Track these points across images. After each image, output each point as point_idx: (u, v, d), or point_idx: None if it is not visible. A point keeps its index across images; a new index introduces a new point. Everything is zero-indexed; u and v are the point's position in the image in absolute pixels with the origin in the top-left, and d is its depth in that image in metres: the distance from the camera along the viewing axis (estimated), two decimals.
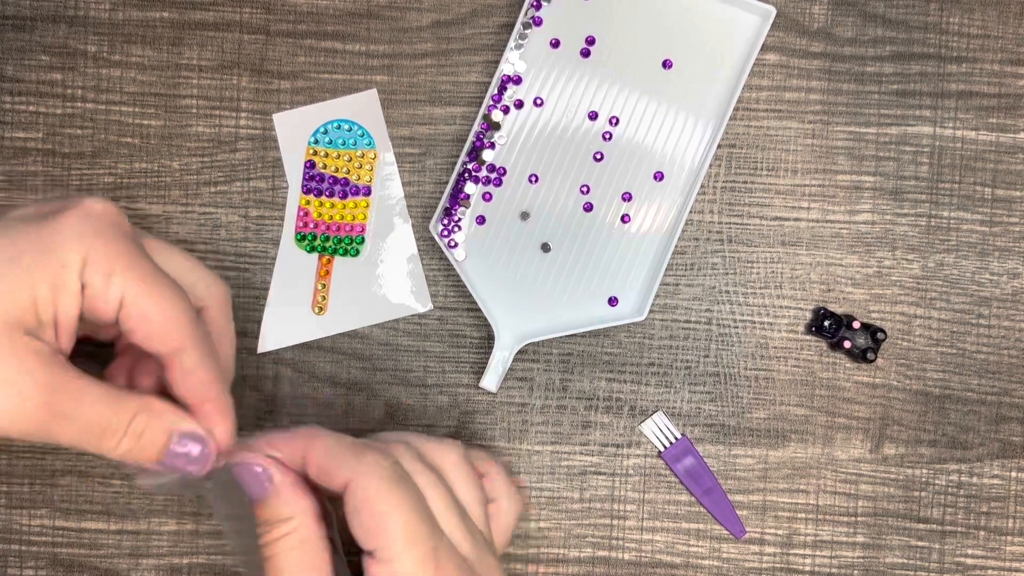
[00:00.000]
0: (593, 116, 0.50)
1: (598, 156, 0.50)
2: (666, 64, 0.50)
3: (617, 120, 0.50)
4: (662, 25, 0.50)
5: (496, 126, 0.50)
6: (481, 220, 0.50)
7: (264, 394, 0.50)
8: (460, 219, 0.50)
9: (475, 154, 0.50)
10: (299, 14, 0.50)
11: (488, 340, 0.50)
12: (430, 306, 0.50)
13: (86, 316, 0.37)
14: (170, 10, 0.50)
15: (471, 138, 0.49)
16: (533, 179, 0.50)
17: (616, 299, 0.50)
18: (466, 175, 0.50)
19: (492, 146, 0.50)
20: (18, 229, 0.36)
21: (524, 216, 0.50)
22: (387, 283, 0.50)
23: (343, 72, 0.50)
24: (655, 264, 0.49)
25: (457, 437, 0.50)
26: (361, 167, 0.50)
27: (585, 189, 0.50)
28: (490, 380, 0.49)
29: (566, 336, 0.50)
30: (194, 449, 0.38)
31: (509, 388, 0.50)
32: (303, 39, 0.50)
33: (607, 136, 0.50)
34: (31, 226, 0.36)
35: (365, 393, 0.50)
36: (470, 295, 0.50)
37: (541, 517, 0.51)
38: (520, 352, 0.50)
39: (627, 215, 0.50)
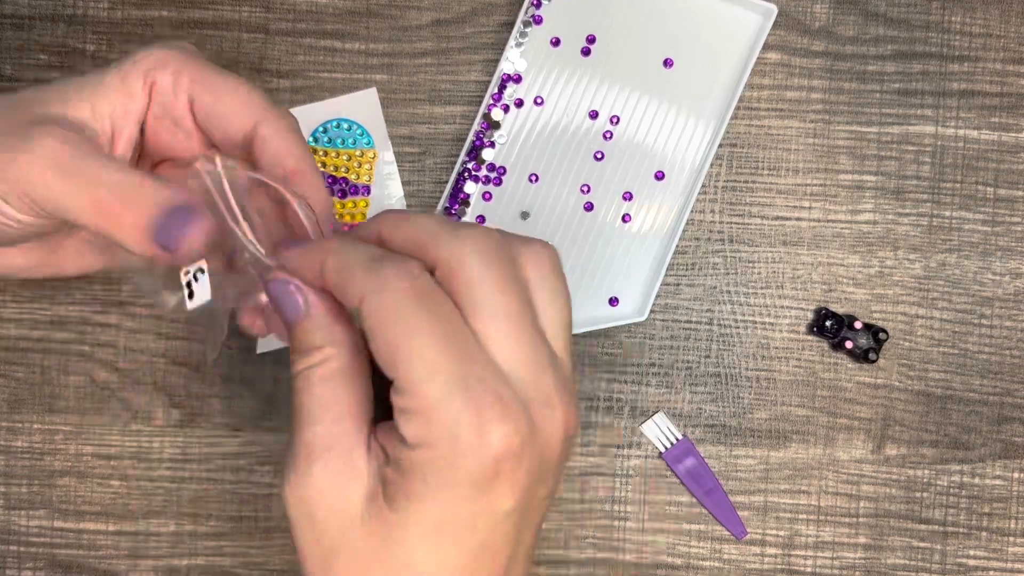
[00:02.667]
0: (594, 115, 0.50)
1: (599, 155, 0.50)
2: (667, 63, 0.50)
3: (618, 119, 0.50)
4: (663, 23, 0.50)
5: (496, 125, 0.49)
6: (481, 220, 0.50)
7: (264, 394, 0.50)
8: (460, 219, 0.49)
9: (475, 153, 0.49)
10: (298, 13, 0.50)
11: None
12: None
13: (160, 125, 0.38)
14: (169, 8, 0.50)
15: (471, 137, 0.49)
16: (533, 178, 0.50)
17: (617, 299, 0.49)
18: (466, 174, 0.49)
19: (492, 145, 0.50)
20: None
21: (524, 216, 0.50)
22: None
23: (342, 71, 0.50)
24: (656, 264, 0.49)
25: None
26: (360, 166, 0.50)
27: (586, 188, 0.50)
28: None
29: None
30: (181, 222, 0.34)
31: None
32: (302, 38, 0.50)
33: (608, 135, 0.50)
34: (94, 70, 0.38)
35: None
36: None
37: None
38: None
39: (628, 215, 0.50)
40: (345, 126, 0.50)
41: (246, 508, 0.50)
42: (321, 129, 0.50)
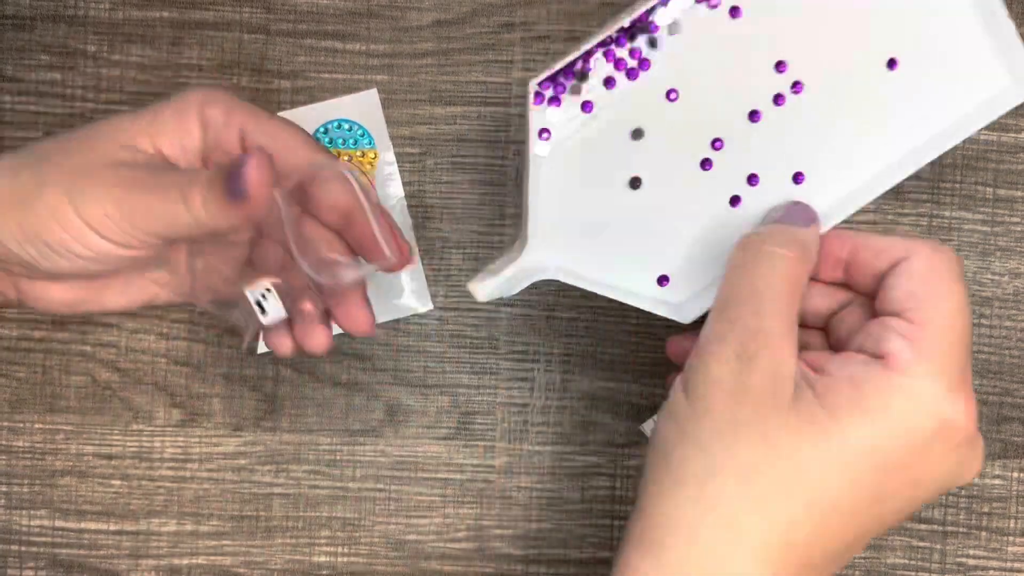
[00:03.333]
0: (781, 68, 0.40)
1: (754, 117, 0.40)
2: (891, 64, 0.40)
3: (800, 88, 0.40)
4: (906, 24, 0.40)
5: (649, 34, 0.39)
6: (588, 107, 0.40)
7: (264, 394, 0.50)
8: (562, 96, 0.39)
9: (631, 33, 0.39)
10: (299, 13, 0.50)
11: (489, 340, 0.50)
12: (430, 306, 0.50)
13: (217, 149, 0.40)
14: (170, 9, 0.50)
15: (638, 11, 0.38)
16: (672, 95, 0.40)
17: (667, 278, 0.42)
18: (609, 43, 0.39)
19: (652, 40, 0.39)
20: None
21: (637, 134, 0.40)
22: (387, 283, 0.50)
23: (343, 72, 0.50)
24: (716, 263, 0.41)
25: (457, 439, 0.50)
26: (361, 167, 0.50)
27: (718, 144, 0.40)
28: (487, 286, 0.41)
29: (566, 335, 0.50)
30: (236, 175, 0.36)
31: (509, 388, 0.50)
32: (303, 38, 0.50)
33: (779, 100, 0.40)
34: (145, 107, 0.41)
35: (365, 393, 0.50)
36: (470, 295, 0.49)
37: (542, 518, 0.50)
38: (520, 352, 0.50)
39: (739, 198, 0.41)
40: (346, 127, 0.50)
41: (247, 508, 0.50)
42: (322, 130, 0.50)
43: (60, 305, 0.41)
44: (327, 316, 0.42)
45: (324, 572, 0.50)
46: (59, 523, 0.50)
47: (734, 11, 0.39)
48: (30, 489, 0.50)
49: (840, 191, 0.41)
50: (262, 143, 0.40)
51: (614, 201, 0.41)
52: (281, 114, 0.49)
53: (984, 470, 0.50)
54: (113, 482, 0.50)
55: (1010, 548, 0.50)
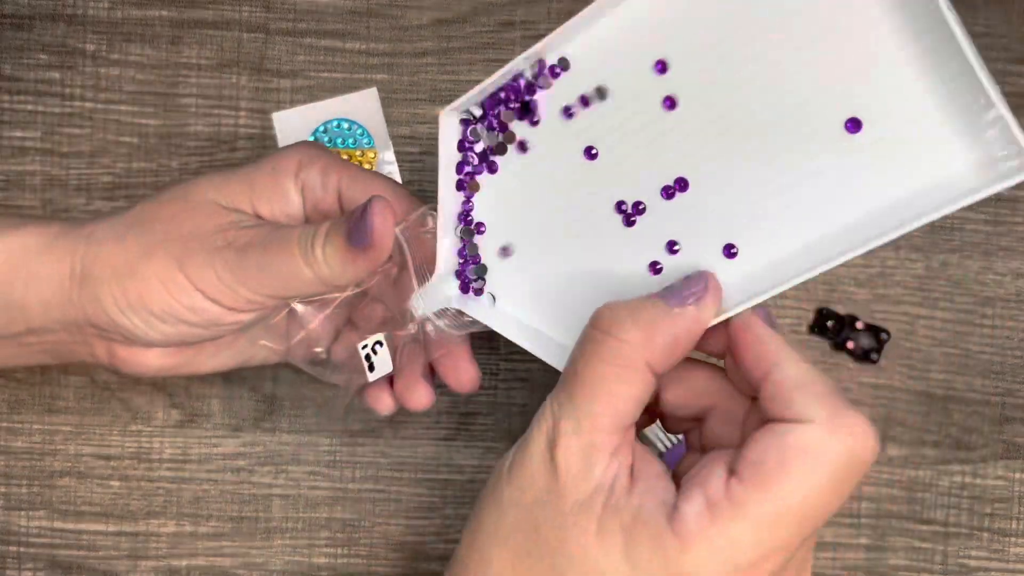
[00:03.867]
0: (669, 105, 0.34)
1: (680, 184, 0.35)
2: (851, 125, 0.32)
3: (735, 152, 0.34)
4: (863, 85, 0.32)
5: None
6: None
7: (263, 395, 0.50)
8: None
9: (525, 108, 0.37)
10: (299, 12, 0.50)
11: (489, 341, 0.50)
12: None
13: (316, 212, 0.40)
14: (169, 8, 0.50)
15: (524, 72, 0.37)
16: (592, 152, 0.36)
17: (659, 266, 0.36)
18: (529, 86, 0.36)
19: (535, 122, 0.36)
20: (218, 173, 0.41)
21: (555, 188, 0.37)
22: None
23: (343, 71, 0.50)
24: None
25: (457, 439, 0.50)
26: (361, 166, 0.50)
27: (640, 207, 0.36)
28: (430, 299, 0.39)
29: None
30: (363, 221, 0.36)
31: (509, 388, 0.50)
32: (303, 37, 0.50)
33: (704, 167, 0.35)
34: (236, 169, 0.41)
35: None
36: None
37: None
38: (520, 352, 0.50)
39: (658, 264, 0.36)
40: (345, 126, 0.50)
41: (246, 509, 0.50)
42: (321, 129, 0.50)
43: (153, 371, 0.41)
44: (430, 372, 0.42)
45: (323, 573, 0.50)
46: (58, 524, 0.50)
47: (661, 66, 0.34)
48: (29, 490, 0.50)
49: (769, 267, 0.35)
50: (359, 198, 0.39)
51: (537, 251, 0.38)
52: (281, 113, 0.49)
53: (986, 471, 0.50)
54: (112, 483, 0.50)
55: (1012, 549, 0.50)
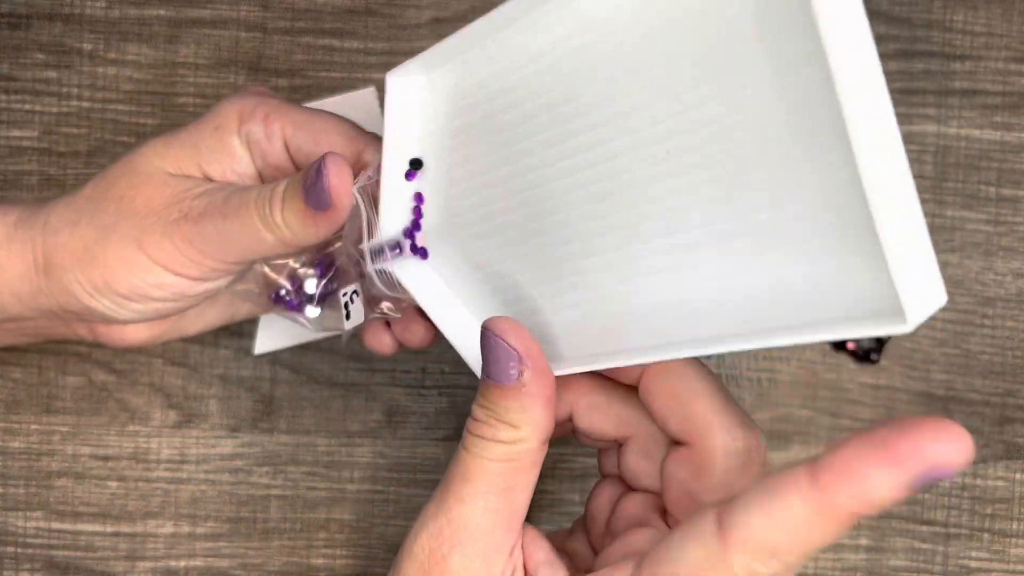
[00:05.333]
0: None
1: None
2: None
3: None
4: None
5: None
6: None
7: (261, 395, 0.50)
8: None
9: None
10: (296, 11, 0.50)
11: None
12: None
13: (267, 174, 0.39)
14: (166, 7, 0.50)
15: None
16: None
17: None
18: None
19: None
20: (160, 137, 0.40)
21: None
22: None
23: (341, 70, 0.50)
24: None
25: (456, 440, 0.50)
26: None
27: None
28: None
29: None
30: (319, 182, 0.35)
31: None
32: (300, 36, 0.50)
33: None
34: (178, 130, 0.40)
35: (364, 395, 0.50)
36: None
37: (540, 520, 0.50)
38: None
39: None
40: None
41: (244, 509, 0.50)
42: None
43: (139, 342, 0.41)
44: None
45: (322, 574, 0.50)
46: (55, 525, 0.50)
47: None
48: (26, 490, 0.50)
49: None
50: (308, 149, 0.38)
51: (477, 231, 0.37)
52: None
53: (987, 471, 0.50)
54: (109, 483, 0.50)
55: (1013, 550, 0.50)
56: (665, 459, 0.33)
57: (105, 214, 0.37)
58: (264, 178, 0.40)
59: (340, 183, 0.35)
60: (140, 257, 0.36)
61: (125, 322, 0.39)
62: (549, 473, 0.50)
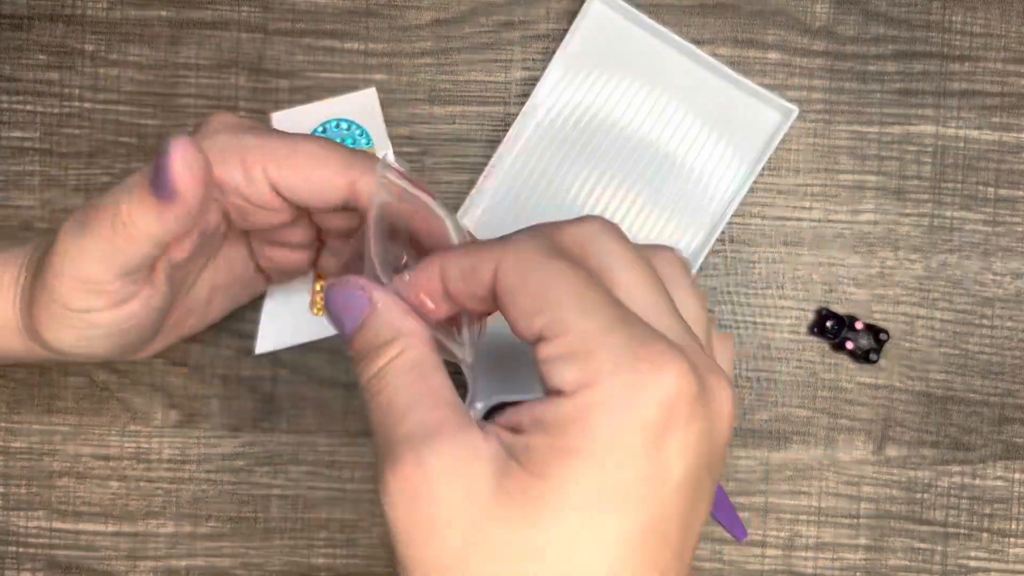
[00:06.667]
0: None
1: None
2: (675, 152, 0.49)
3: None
4: (678, 105, 0.49)
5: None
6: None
7: (262, 395, 0.50)
8: None
9: None
10: (297, 12, 0.50)
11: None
12: None
13: (247, 210, 0.37)
14: (168, 9, 0.50)
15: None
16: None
17: None
18: None
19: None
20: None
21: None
22: None
23: (341, 71, 0.50)
24: None
25: None
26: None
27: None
28: None
29: None
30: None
31: None
32: (301, 37, 0.50)
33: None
34: None
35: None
36: None
37: None
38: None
39: None
40: (344, 126, 0.50)
41: (245, 509, 0.50)
42: (320, 129, 0.50)
43: (156, 352, 0.41)
44: None
45: (322, 573, 0.50)
46: (57, 524, 0.50)
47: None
48: (28, 490, 0.50)
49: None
50: (301, 190, 0.35)
51: None
52: (279, 113, 0.49)
53: (986, 471, 0.50)
54: (111, 483, 0.50)
55: (1012, 550, 0.50)
56: None
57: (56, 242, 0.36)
58: (239, 215, 0.37)
59: (186, 169, 0.32)
60: (56, 307, 0.36)
61: (111, 354, 0.38)
62: None
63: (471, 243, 0.32)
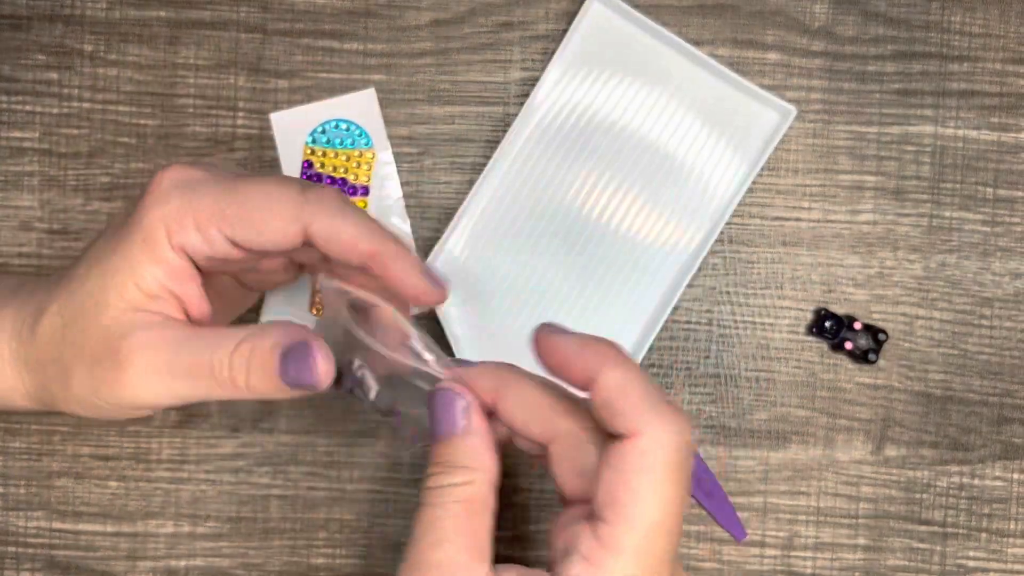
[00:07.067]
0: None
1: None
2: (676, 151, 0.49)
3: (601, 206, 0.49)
4: (679, 106, 0.49)
5: None
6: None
7: None
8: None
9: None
10: (296, 12, 0.50)
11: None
12: (428, 307, 0.50)
13: (215, 263, 0.38)
14: (167, 9, 0.50)
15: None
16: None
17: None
18: None
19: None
20: (107, 237, 0.38)
21: None
22: None
23: (341, 71, 0.50)
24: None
25: None
26: (359, 167, 0.50)
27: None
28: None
29: None
30: (302, 361, 0.35)
31: None
32: (300, 38, 0.50)
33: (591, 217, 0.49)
34: (116, 231, 0.38)
35: None
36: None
37: (539, 520, 0.50)
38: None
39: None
40: (343, 126, 0.50)
41: (245, 509, 0.50)
42: (319, 129, 0.50)
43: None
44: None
45: (322, 574, 0.50)
46: (56, 524, 0.50)
47: None
48: (27, 490, 0.50)
49: (677, 258, 0.49)
50: (255, 242, 0.37)
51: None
52: (278, 113, 0.49)
53: (984, 471, 0.50)
54: (110, 483, 0.50)
55: (1010, 550, 0.50)
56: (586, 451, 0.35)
57: (63, 359, 0.38)
58: (209, 267, 0.38)
59: (327, 370, 0.35)
60: (100, 404, 0.37)
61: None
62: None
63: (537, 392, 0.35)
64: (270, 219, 0.36)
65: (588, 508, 0.33)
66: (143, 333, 0.36)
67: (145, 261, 0.36)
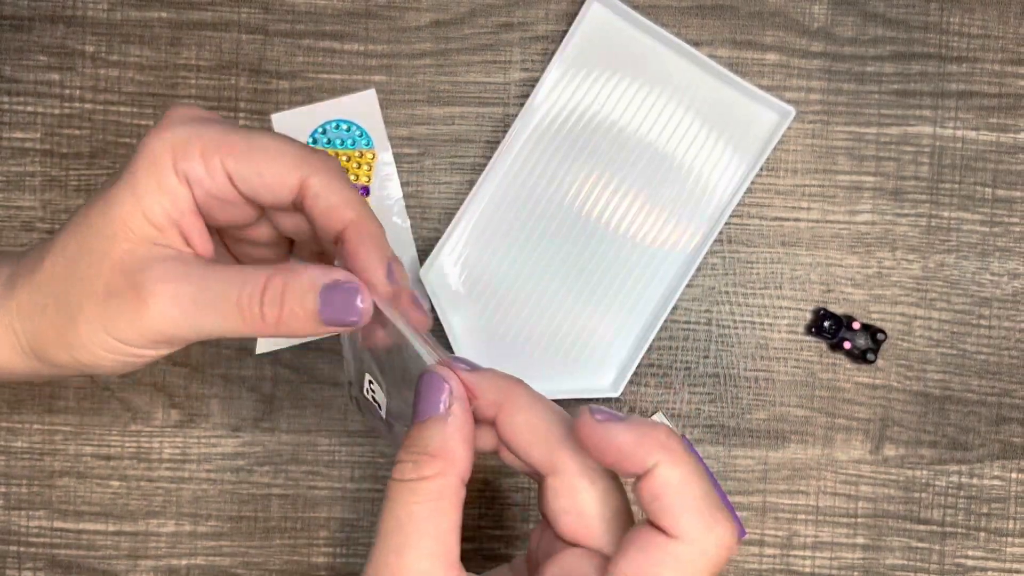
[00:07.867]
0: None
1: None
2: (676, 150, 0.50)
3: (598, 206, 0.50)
4: (679, 108, 0.50)
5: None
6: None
7: (263, 395, 0.50)
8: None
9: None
10: (297, 14, 0.50)
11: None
12: (428, 305, 0.50)
13: (211, 205, 0.37)
14: (168, 10, 0.50)
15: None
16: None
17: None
18: None
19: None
20: (104, 185, 0.37)
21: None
22: None
23: (341, 72, 0.50)
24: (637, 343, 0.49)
25: None
26: (360, 167, 0.50)
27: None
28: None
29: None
30: (347, 298, 0.34)
31: None
32: (301, 39, 0.50)
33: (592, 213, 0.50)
34: (116, 174, 0.37)
35: None
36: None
37: (539, 519, 0.50)
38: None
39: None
40: (344, 127, 0.50)
41: (245, 508, 0.50)
42: (320, 130, 0.50)
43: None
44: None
45: (322, 573, 0.50)
46: (58, 524, 0.50)
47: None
48: (29, 490, 0.50)
49: (677, 260, 0.50)
50: (253, 181, 0.36)
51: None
52: (279, 114, 0.49)
53: (983, 471, 0.50)
54: (112, 483, 0.50)
55: (1008, 549, 0.50)
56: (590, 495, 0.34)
57: (69, 296, 0.36)
58: (205, 210, 0.38)
59: (368, 307, 0.34)
60: (110, 341, 0.36)
61: (132, 371, 0.39)
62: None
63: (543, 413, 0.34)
64: (272, 162, 0.36)
65: (595, 557, 0.32)
66: (162, 265, 0.35)
67: (151, 189, 0.36)
